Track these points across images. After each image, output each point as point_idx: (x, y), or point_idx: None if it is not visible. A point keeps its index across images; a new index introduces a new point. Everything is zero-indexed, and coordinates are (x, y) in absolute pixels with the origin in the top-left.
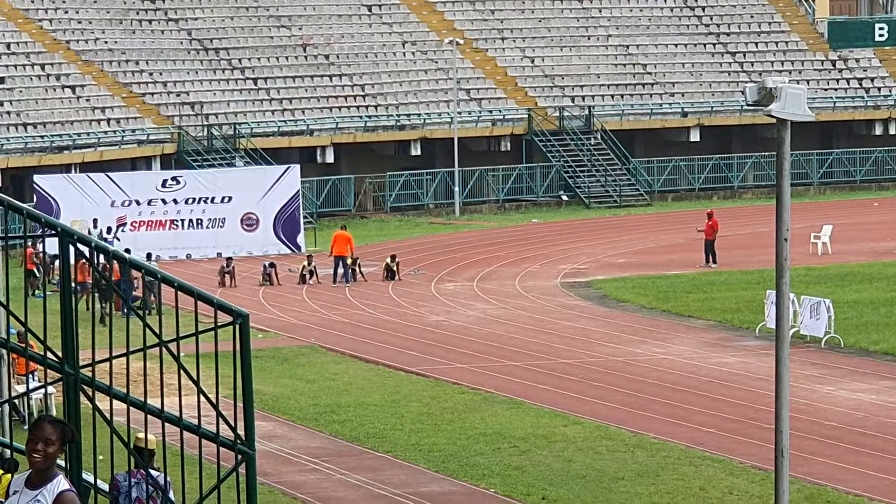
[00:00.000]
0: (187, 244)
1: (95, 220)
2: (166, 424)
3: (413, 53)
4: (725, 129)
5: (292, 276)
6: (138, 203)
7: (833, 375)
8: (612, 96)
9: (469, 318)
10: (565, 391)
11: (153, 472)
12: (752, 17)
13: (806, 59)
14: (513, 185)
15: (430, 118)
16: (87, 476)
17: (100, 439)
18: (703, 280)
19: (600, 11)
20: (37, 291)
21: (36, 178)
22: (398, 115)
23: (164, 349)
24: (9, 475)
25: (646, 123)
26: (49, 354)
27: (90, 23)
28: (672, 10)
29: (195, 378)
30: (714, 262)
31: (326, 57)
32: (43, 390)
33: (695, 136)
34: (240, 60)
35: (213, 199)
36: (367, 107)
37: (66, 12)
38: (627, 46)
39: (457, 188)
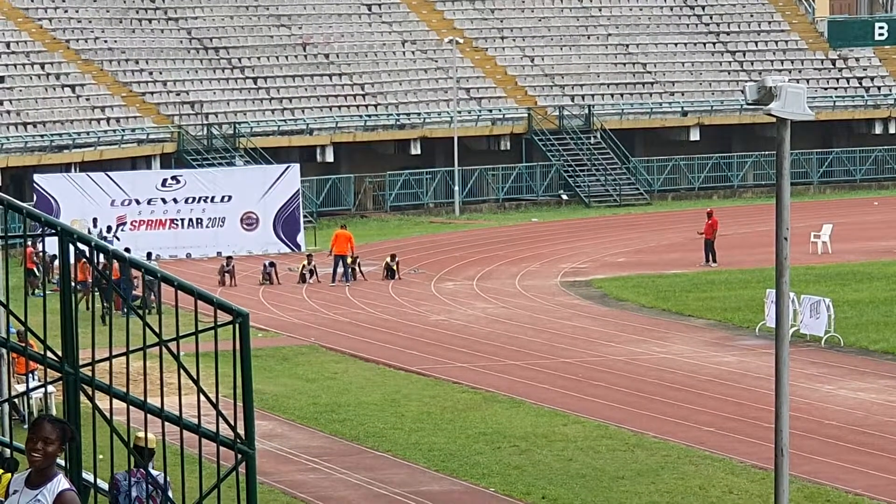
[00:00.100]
0: (187, 243)
1: (95, 220)
2: (166, 424)
3: (413, 52)
4: (725, 128)
5: (292, 275)
6: (138, 202)
7: (833, 374)
8: (612, 95)
9: (469, 318)
10: (565, 390)
11: (153, 472)
12: (751, 16)
13: (806, 59)
14: (513, 185)
15: (430, 117)
16: (87, 475)
17: (100, 438)
18: (703, 279)
19: (600, 10)
20: (36, 291)
21: (36, 177)
22: (398, 115)
23: (163, 348)
24: (9, 474)
25: (646, 123)
26: (49, 354)
27: (90, 22)
28: (672, 10)
29: (195, 377)
30: (714, 261)
31: (326, 56)
32: (43, 389)
33: (695, 136)
34: (240, 60)
35: (212, 198)
36: (366, 106)
37: (66, 11)
38: (627, 46)
39: (457, 187)
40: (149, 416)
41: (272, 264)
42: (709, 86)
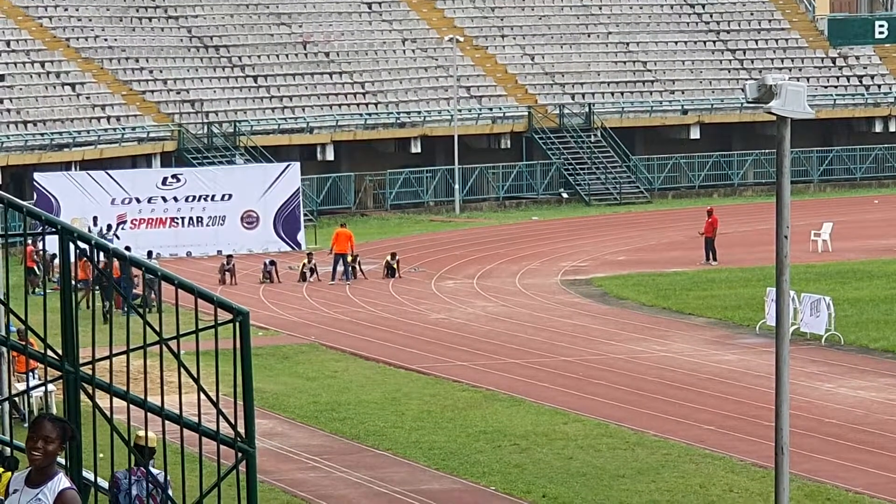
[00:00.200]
0: (187, 242)
1: (95, 218)
2: (166, 422)
3: (413, 51)
4: (725, 126)
5: (292, 273)
6: (138, 201)
7: (833, 373)
8: (613, 94)
9: (469, 316)
10: (565, 389)
11: (153, 471)
12: (752, 14)
13: (806, 57)
14: (513, 183)
15: (431, 116)
16: (88, 474)
17: (100, 437)
18: (703, 277)
19: (600, 9)
20: (37, 289)
21: (36, 175)
22: (398, 113)
23: (164, 347)
24: (9, 473)
25: (646, 121)
26: (49, 352)
27: (90, 20)
28: (672, 8)
29: (195, 376)
30: (714, 259)
31: (326, 54)
32: (43, 388)
33: (695, 134)
34: (240, 58)
35: (213, 196)
36: (367, 104)
37: (66, 10)
38: (627, 44)
39: (457, 186)
40: (149, 414)
41: (272, 263)
42: (709, 84)
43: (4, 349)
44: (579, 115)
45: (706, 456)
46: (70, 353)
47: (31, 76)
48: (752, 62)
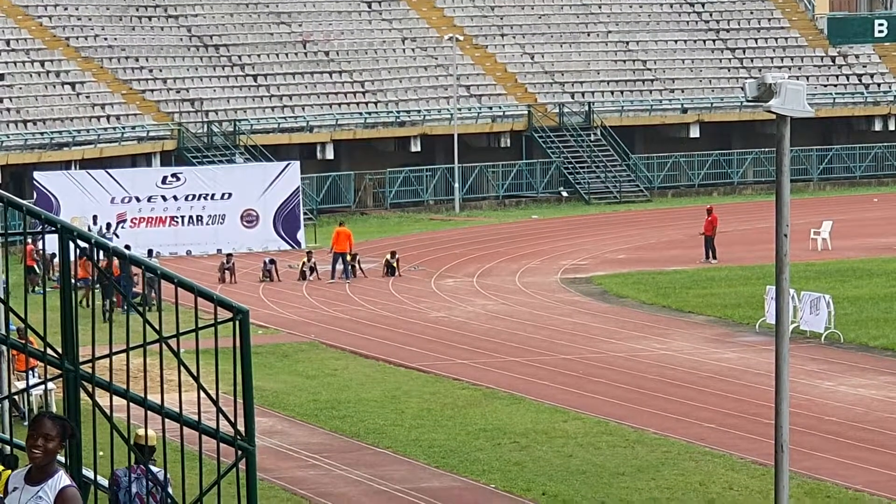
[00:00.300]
0: (187, 241)
1: (95, 217)
2: (166, 420)
3: (413, 50)
4: (725, 125)
5: (292, 272)
6: (138, 200)
7: (833, 371)
8: (612, 92)
9: (469, 314)
10: (565, 387)
11: (153, 468)
12: (751, 13)
13: (805, 56)
14: (513, 182)
15: (430, 114)
16: (87, 472)
17: (100, 435)
18: (703, 276)
19: (600, 7)
20: (37, 288)
21: (36, 174)
22: (398, 112)
23: (164, 345)
24: (9, 471)
25: (645, 119)
26: (49, 351)
27: (90, 19)
28: (672, 7)
29: (195, 374)
30: (714, 257)
31: (326, 53)
32: (43, 387)
33: (695, 133)
34: (240, 57)
35: (213, 195)
36: (366, 103)
37: (66, 9)
38: (627, 42)
39: (457, 184)
40: (149, 412)
41: (272, 261)
42: (709, 83)
43: (4, 347)
44: (579, 114)
45: (706, 454)
46: (70, 352)
47: (31, 75)
48: (752, 61)
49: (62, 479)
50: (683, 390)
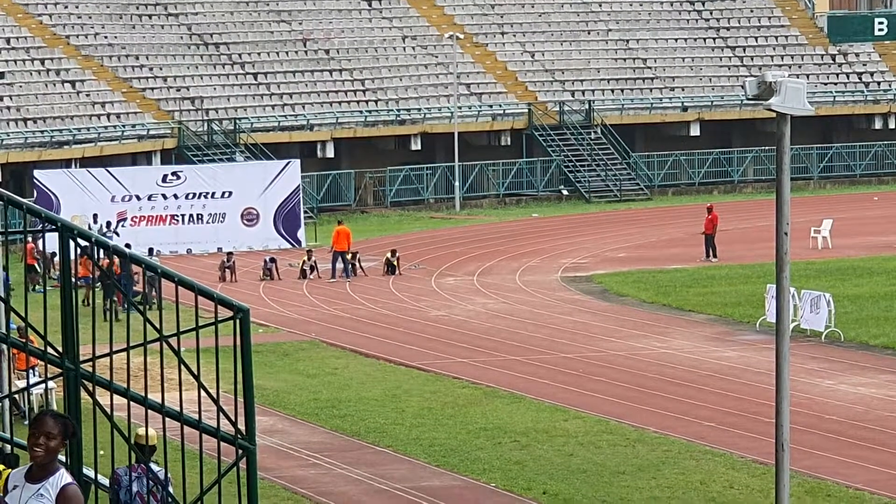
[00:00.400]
0: (188, 239)
1: (95, 216)
2: (167, 419)
3: (413, 48)
4: (725, 123)
5: (293, 270)
6: (138, 198)
7: (833, 369)
8: (613, 91)
9: (469, 313)
10: (566, 386)
11: (153, 467)
12: (751, 11)
13: (806, 54)
14: (513, 180)
15: (431, 113)
16: (88, 471)
17: (100, 434)
18: (703, 274)
19: (600, 6)
20: (37, 286)
21: (36, 173)
22: (398, 110)
23: (164, 344)
24: (9, 470)
25: (646, 118)
26: (49, 350)
27: (90, 18)
28: (672, 5)
29: (196, 373)
30: (714, 256)
31: (327, 52)
32: (43, 385)
33: (695, 131)
34: (240, 55)
35: (213, 194)
36: (367, 101)
37: (66, 7)
38: (627, 41)
39: (457, 183)
40: (149, 411)
41: (273, 260)
42: (709, 81)
43: (5, 346)
44: (579, 112)
45: (706, 452)
46: (70, 351)
47: (31, 73)
48: (752, 59)
49: (63, 476)
50: (684, 389)
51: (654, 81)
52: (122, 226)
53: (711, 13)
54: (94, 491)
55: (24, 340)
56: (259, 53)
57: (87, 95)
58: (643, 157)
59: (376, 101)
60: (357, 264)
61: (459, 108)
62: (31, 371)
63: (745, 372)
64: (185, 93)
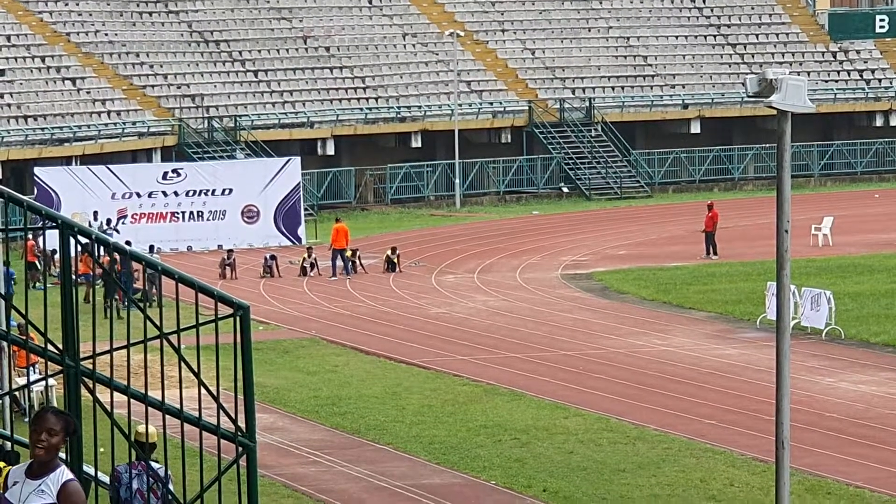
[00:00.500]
0: (188, 236)
1: (96, 213)
2: (167, 416)
3: (413, 46)
4: (726, 120)
5: (293, 268)
6: (139, 195)
7: (834, 367)
8: (613, 88)
9: (470, 310)
10: (566, 383)
11: (153, 465)
12: (752, 8)
13: (806, 51)
14: (513, 177)
15: (431, 110)
16: (88, 468)
17: (100, 432)
18: (703, 272)
19: (601, 3)
20: (37, 284)
21: (36, 170)
22: (399, 108)
23: (164, 341)
24: (9, 467)
25: (646, 115)
26: (50, 347)
27: (90, 15)
28: (672, 2)
29: (196, 370)
30: (715, 253)
31: (327, 49)
32: (43, 383)
33: (695, 128)
34: (240, 53)
35: (213, 191)
36: (367, 99)
37: (66, 4)
38: (628, 38)
39: (457, 180)
40: (150, 408)
41: (273, 257)
42: (709, 78)
43: (5, 343)
44: (580, 110)
45: (707, 450)
46: (70, 348)
47: (32, 71)
48: (753, 56)
49: (64, 473)
50: (684, 387)
51: (654, 79)
52: (123, 223)
53: (712, 10)
54: (95, 488)
55: (24, 338)
56: (260, 51)
57: (88, 93)
58: (643, 155)
59: (377, 99)
60: (357, 262)
61: (460, 105)
62: (31, 368)
63: (746, 369)
64: (186, 90)
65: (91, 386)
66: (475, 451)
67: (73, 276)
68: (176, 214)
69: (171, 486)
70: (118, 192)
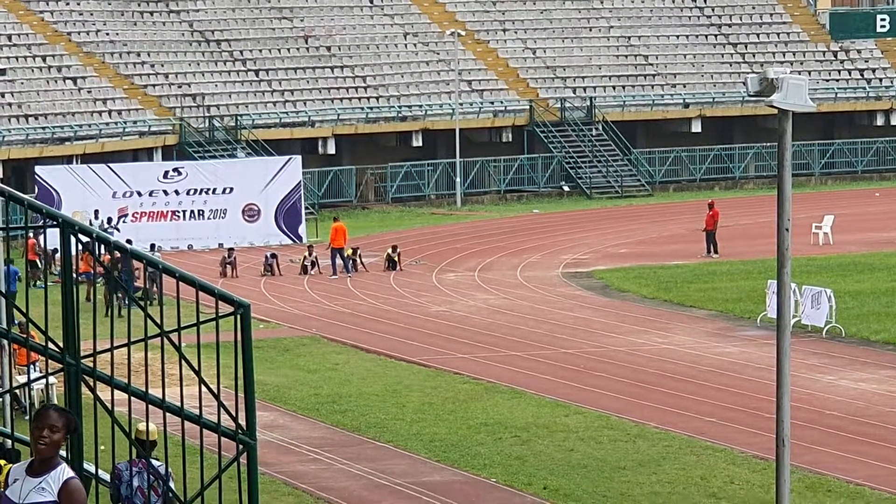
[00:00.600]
0: (189, 235)
1: (97, 211)
2: (168, 414)
3: (415, 45)
4: (727, 119)
5: (294, 266)
6: (140, 194)
7: (834, 365)
8: (614, 87)
9: (470, 309)
10: (566, 381)
11: (154, 463)
12: (753, 7)
13: (807, 50)
14: (514, 176)
15: (432, 109)
16: (89, 466)
17: (101, 429)
18: (704, 270)
19: (602, 2)
20: (38, 282)
21: (37, 169)
22: (400, 107)
23: (165, 339)
24: (10, 465)
25: (647, 114)
26: (50, 345)
27: (91, 14)
28: (673, 2)
29: (196, 368)
30: (715, 252)
31: (328, 48)
32: (44, 381)
33: (696, 127)
34: (241, 52)
35: (214, 189)
36: (368, 98)
37: (67, 4)
38: (629, 37)
39: (458, 179)
40: (150, 406)
41: (274, 256)
42: (710, 77)
43: (6, 341)
44: (580, 109)
45: (707, 448)
46: (71, 346)
47: (33, 70)
48: (754, 56)
49: (65, 471)
50: (684, 384)
51: (655, 78)
52: (123, 222)
53: (713, 10)
54: (95, 486)
55: (25, 336)
56: (261, 50)
57: (89, 92)
58: (644, 154)
59: (378, 98)
60: (358, 260)
61: (461, 104)
62: (31, 366)
63: (746, 367)
64: (187, 89)
65: (92, 384)
66: (476, 448)
67: (74, 275)
68: (177, 213)
69: (171, 484)
70: (119, 190)
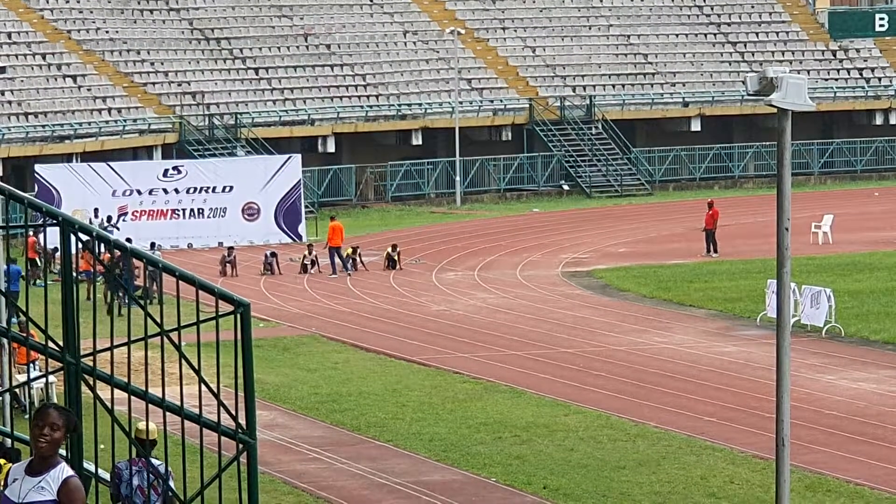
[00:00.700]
0: (188, 233)
1: (97, 210)
2: (167, 413)
3: (414, 43)
4: (726, 118)
5: (293, 265)
6: (139, 192)
7: (834, 365)
8: (614, 86)
9: (470, 308)
10: (566, 380)
11: (154, 462)
12: (752, 7)
13: (807, 50)
14: (514, 175)
15: (432, 108)
16: (88, 465)
17: (101, 428)
18: (704, 269)
19: (601, 1)
20: (38, 280)
21: (37, 167)
22: (399, 105)
23: (165, 338)
24: (10, 464)
25: (647, 113)
26: (50, 344)
27: (91, 12)
28: (673, 1)
29: (196, 367)
30: (715, 251)
31: (328, 47)
32: (44, 380)
33: (696, 126)
34: (241, 50)
35: (214, 188)
36: (368, 96)
37: (67, 1)
38: (629, 36)
39: (458, 178)
40: (150, 405)
41: (273, 254)
42: (710, 76)
43: (5, 340)
44: (580, 108)
45: (707, 447)
46: (71, 345)
47: (33, 68)
48: (753, 55)
49: (65, 469)
50: (684, 384)
51: (654, 77)
52: (123, 220)
53: (712, 9)
54: (95, 485)
55: (24, 335)
56: (260, 48)
57: (89, 90)
58: (644, 153)
59: (377, 97)
60: (358, 259)
61: (460, 103)
62: (31, 365)
63: (746, 367)
64: (187, 87)
65: (91, 383)
66: (475, 448)
67: (74, 274)
68: (176, 212)
69: (171, 483)
70: (119, 189)
